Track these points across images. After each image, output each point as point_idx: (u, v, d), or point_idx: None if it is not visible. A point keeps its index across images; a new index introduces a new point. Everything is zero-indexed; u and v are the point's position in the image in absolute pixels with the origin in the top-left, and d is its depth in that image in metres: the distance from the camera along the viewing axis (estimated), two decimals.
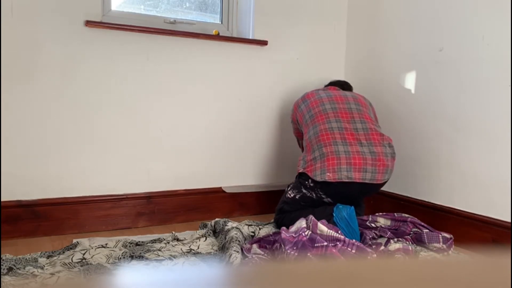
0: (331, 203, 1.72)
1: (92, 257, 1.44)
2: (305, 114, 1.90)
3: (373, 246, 1.61)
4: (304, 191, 1.76)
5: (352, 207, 1.69)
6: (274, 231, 1.77)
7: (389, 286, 0.22)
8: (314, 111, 1.87)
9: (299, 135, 2.11)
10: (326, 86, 2.15)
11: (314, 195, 1.73)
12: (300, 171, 1.78)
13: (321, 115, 1.83)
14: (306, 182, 1.73)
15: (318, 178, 1.68)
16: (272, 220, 1.93)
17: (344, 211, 1.65)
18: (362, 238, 1.71)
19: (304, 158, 1.81)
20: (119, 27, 1.86)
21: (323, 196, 1.70)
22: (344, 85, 2.15)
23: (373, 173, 1.71)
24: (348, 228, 1.64)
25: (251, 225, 1.82)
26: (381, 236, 1.75)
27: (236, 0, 2.26)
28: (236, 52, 2.13)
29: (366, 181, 1.70)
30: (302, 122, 1.92)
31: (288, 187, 1.87)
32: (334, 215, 1.64)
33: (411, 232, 1.75)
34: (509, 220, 1.65)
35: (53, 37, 1.76)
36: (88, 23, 1.79)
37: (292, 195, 1.81)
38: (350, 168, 1.67)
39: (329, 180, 1.66)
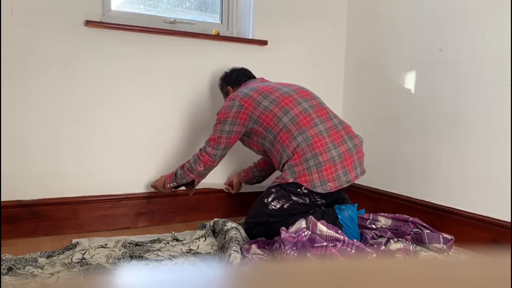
0: (324, 204, 1.71)
1: (91, 257, 1.44)
2: (278, 115, 1.68)
3: (375, 246, 1.62)
4: (294, 198, 1.66)
5: (355, 205, 1.71)
6: None
7: (389, 286, 0.22)
8: (293, 112, 1.68)
9: (251, 143, 1.82)
10: (247, 77, 1.95)
11: (307, 200, 1.67)
12: (290, 181, 1.63)
13: (304, 117, 1.67)
14: (299, 190, 1.64)
15: (319, 190, 1.62)
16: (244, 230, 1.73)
17: (347, 210, 1.67)
18: (362, 238, 1.71)
19: (291, 167, 1.64)
20: (119, 27, 1.86)
21: (317, 199, 1.68)
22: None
23: (360, 166, 1.71)
24: (353, 226, 1.67)
25: None
26: (381, 236, 1.75)
27: (236, 0, 2.26)
28: (236, 52, 2.13)
29: (358, 176, 1.70)
30: (270, 122, 1.70)
31: (266, 199, 1.70)
32: (339, 216, 1.65)
33: (412, 232, 1.75)
34: (509, 220, 1.65)
35: (53, 37, 1.76)
36: (88, 23, 1.79)
37: (278, 206, 1.67)
38: (345, 171, 1.64)
39: (330, 190, 1.63)
